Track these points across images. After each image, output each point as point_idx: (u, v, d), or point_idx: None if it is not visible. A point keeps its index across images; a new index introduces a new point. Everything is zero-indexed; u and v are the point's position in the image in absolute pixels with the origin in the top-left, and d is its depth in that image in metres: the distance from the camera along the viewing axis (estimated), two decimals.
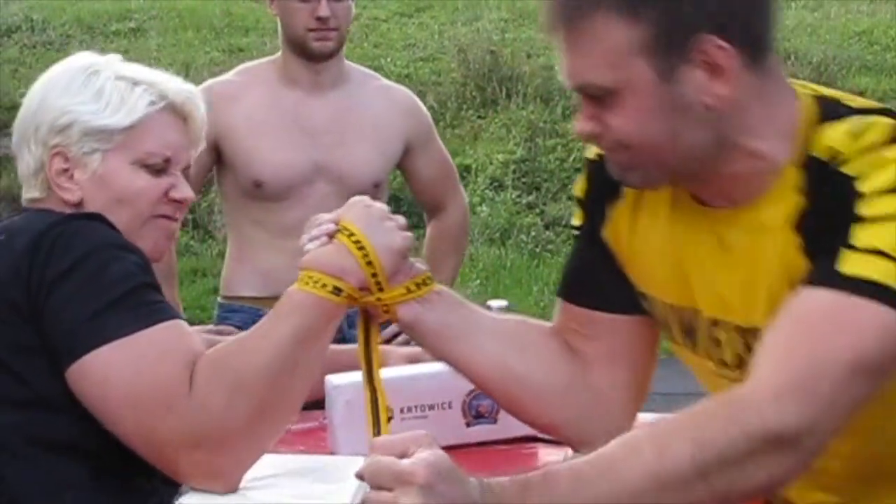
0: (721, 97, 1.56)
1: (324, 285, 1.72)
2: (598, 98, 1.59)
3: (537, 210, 8.69)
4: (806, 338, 1.48)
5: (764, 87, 1.60)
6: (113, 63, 1.86)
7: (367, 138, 3.27)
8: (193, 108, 1.86)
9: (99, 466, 1.69)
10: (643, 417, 1.99)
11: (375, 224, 1.75)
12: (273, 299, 1.82)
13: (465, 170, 8.90)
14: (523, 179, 8.98)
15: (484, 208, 8.75)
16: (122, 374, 1.64)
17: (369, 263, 1.72)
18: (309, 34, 3.20)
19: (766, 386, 1.46)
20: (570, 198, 7.43)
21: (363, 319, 1.79)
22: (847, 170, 1.54)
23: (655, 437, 1.45)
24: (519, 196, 8.85)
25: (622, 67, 1.56)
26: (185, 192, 1.85)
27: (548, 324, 1.90)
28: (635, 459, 1.43)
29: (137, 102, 1.81)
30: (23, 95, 1.89)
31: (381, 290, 1.74)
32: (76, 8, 11.26)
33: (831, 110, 1.61)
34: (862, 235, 1.50)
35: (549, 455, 2.16)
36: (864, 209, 1.51)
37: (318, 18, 3.17)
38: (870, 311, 1.48)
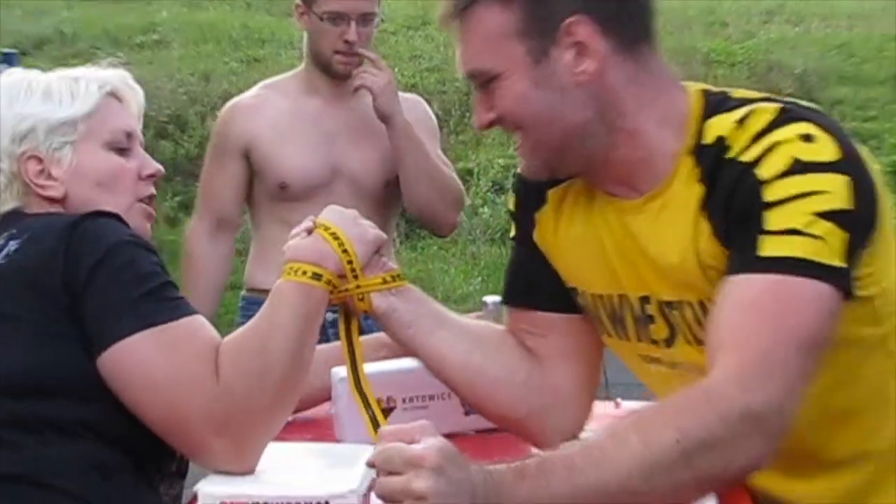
0: (590, 74, 1.61)
1: (304, 272, 1.73)
2: (487, 86, 1.65)
3: None
4: (758, 323, 1.51)
5: (640, 74, 1.64)
6: (40, 73, 1.85)
7: (378, 142, 3.29)
8: (128, 90, 1.88)
9: (119, 451, 1.65)
10: (628, 406, 1.98)
11: (348, 220, 1.80)
12: None
13: (467, 173, 8.90)
14: None
15: (486, 210, 8.76)
16: (154, 361, 1.61)
17: (345, 251, 1.76)
18: (335, 56, 3.22)
19: (731, 372, 1.48)
20: None
21: (344, 317, 1.83)
22: (742, 158, 1.57)
23: (640, 426, 1.46)
24: None
25: (500, 51, 1.62)
26: (154, 165, 1.87)
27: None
28: (623, 448, 1.44)
29: (87, 91, 1.81)
30: None
31: (356, 277, 1.77)
32: (104, 21, 11.27)
33: (718, 103, 1.65)
34: (774, 219, 1.53)
35: None
36: (768, 195, 1.54)
37: (346, 42, 3.18)
38: (805, 287, 1.51)
